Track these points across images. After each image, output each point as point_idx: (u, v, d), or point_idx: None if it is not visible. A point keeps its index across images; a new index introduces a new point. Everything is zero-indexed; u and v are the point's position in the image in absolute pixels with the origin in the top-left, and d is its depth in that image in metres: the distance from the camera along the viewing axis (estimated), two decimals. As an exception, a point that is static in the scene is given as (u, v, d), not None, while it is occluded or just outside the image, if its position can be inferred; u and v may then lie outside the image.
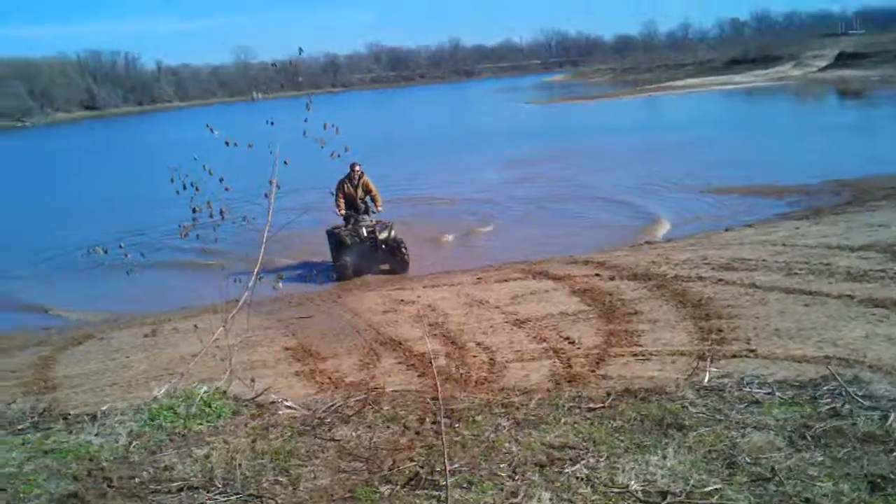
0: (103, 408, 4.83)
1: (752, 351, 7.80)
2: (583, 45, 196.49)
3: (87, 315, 13.50)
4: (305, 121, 6.67)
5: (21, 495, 3.71)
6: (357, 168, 14.78)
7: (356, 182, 14.82)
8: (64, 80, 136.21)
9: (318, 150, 6.81)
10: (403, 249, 14.44)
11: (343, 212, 14.74)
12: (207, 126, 6.60)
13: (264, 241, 6.40)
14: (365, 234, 14.26)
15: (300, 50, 7.93)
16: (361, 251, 14.27)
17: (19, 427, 4.61)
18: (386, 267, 14.64)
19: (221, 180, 6.39)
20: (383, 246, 14.44)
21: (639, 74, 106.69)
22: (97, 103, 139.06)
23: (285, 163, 6.38)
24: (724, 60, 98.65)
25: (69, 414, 4.84)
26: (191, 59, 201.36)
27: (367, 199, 15.03)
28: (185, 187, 6.32)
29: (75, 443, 4.33)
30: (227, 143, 6.70)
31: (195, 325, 8.57)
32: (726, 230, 15.24)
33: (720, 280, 10.80)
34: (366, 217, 14.69)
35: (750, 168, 23.45)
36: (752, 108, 53.51)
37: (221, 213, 6.51)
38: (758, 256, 12.01)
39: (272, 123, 6.46)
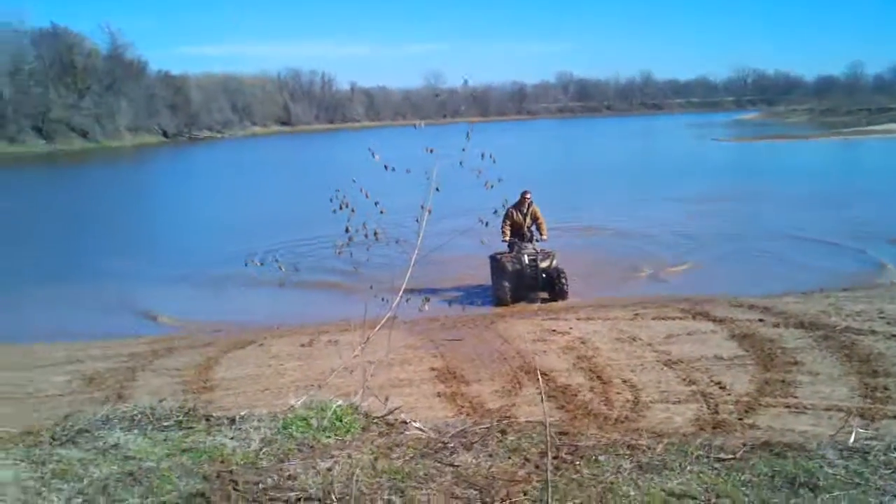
0: (242, 412, 5.09)
1: (918, 414, 7.29)
2: (781, 83, 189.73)
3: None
4: (463, 150, 6.79)
5: (154, 490, 3.97)
6: (528, 196, 15.07)
7: (525, 210, 15.06)
8: (264, 97, 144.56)
9: (473, 179, 6.93)
10: (563, 280, 14.45)
11: (507, 238, 14.93)
12: (369, 150, 6.84)
13: (412, 262, 6.55)
14: (527, 261, 14.40)
15: (465, 81, 8.09)
16: (522, 278, 14.42)
17: (165, 424, 4.92)
18: (545, 295, 14.69)
19: (377, 203, 6.62)
20: (544, 275, 14.45)
21: (838, 117, 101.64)
22: (291, 119, 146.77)
23: (437, 189, 6.52)
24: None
25: (211, 415, 5.12)
26: (384, 82, 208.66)
27: (533, 227, 15.20)
28: (341, 207, 6.57)
29: (211, 444, 4.58)
30: (385, 168, 6.93)
31: (335, 340, 8.86)
32: (910, 283, 14.29)
33: (894, 335, 10.14)
34: (529, 245, 14.83)
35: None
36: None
37: (375, 234, 6.72)
38: (939, 314, 11.22)
39: (432, 151, 6.64)
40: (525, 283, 14.49)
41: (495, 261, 14.70)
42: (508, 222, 14.99)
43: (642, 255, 19.20)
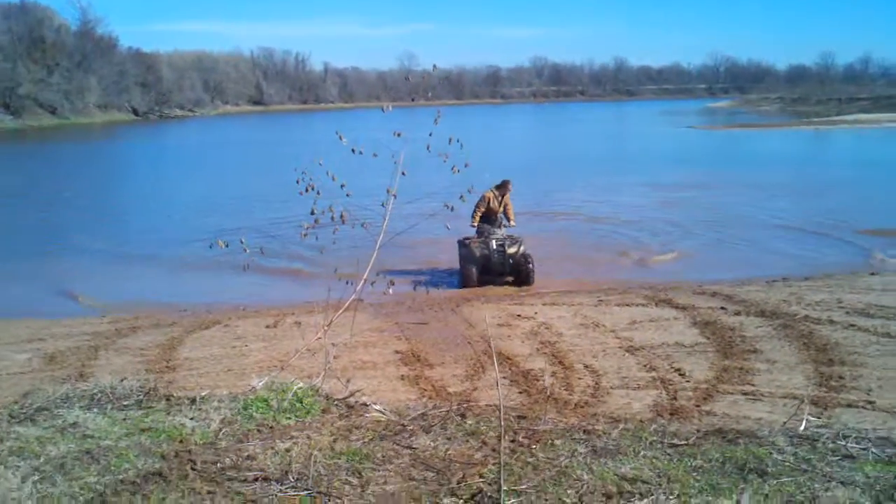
0: (203, 393, 5.11)
1: (870, 402, 7.47)
2: (753, 72, 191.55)
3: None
4: (430, 135, 6.81)
5: (112, 468, 3.99)
6: (510, 186, 15.35)
7: (502, 198, 15.29)
8: (236, 75, 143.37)
9: (440, 163, 6.95)
10: (530, 265, 14.67)
11: (476, 224, 15.13)
12: (337, 133, 6.85)
13: (378, 245, 6.58)
14: (495, 246, 14.62)
15: (434, 66, 8.02)
16: (489, 263, 14.66)
17: (125, 403, 4.92)
18: (511, 279, 14.87)
19: (343, 186, 6.64)
20: (511, 260, 14.70)
21: (809, 106, 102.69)
22: (264, 99, 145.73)
23: (403, 173, 6.55)
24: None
25: (172, 395, 5.13)
26: (358, 63, 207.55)
27: (502, 213, 15.40)
28: (307, 190, 6.58)
29: (171, 424, 4.60)
30: (353, 151, 6.93)
31: (300, 322, 8.88)
32: (872, 274, 14.51)
33: (852, 325, 10.35)
34: (498, 231, 15.09)
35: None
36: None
37: (342, 216, 6.74)
38: (899, 304, 11.44)
39: (399, 135, 6.66)
40: (492, 267, 14.70)
41: (464, 245, 14.92)
42: (483, 207, 15.15)
43: (622, 241, 19.48)
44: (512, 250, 14.70)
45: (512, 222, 15.52)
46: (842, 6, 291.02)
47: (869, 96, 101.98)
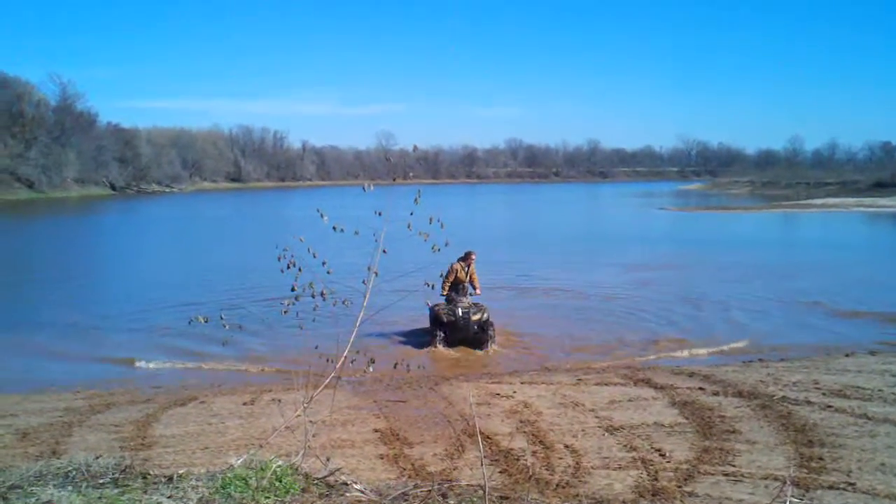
0: (180, 471, 5.03)
1: (851, 484, 7.44)
2: (724, 155, 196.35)
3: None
4: (411, 214, 6.88)
5: (88, 548, 3.91)
6: (473, 256, 16.95)
7: (468, 269, 16.85)
8: (214, 152, 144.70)
9: (420, 241, 7.01)
10: (490, 332, 16.18)
11: (445, 293, 16.60)
12: (318, 211, 6.90)
13: (358, 322, 6.58)
14: (461, 313, 15.99)
15: (415, 147, 8.24)
16: (456, 328, 16.04)
17: (100, 481, 4.83)
18: (471, 342, 16.25)
19: (324, 263, 6.66)
20: (475, 326, 16.03)
21: (778, 190, 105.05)
22: (242, 176, 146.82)
23: (384, 251, 6.59)
24: (868, 183, 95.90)
25: (149, 473, 5.04)
26: (335, 141, 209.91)
27: (468, 283, 16.80)
28: (289, 267, 6.60)
29: (147, 503, 4.53)
30: (334, 229, 6.98)
31: (278, 399, 8.81)
32: (846, 355, 14.60)
33: (829, 406, 10.38)
34: (464, 299, 16.49)
35: (888, 293, 22.86)
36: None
37: (322, 293, 6.75)
38: (874, 386, 11.51)
39: (380, 214, 6.72)
40: (457, 331, 16.07)
41: (433, 311, 16.18)
42: (451, 277, 16.58)
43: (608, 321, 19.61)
44: (476, 317, 16.05)
45: (477, 290, 17.00)
46: (808, 94, 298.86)
47: (836, 181, 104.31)
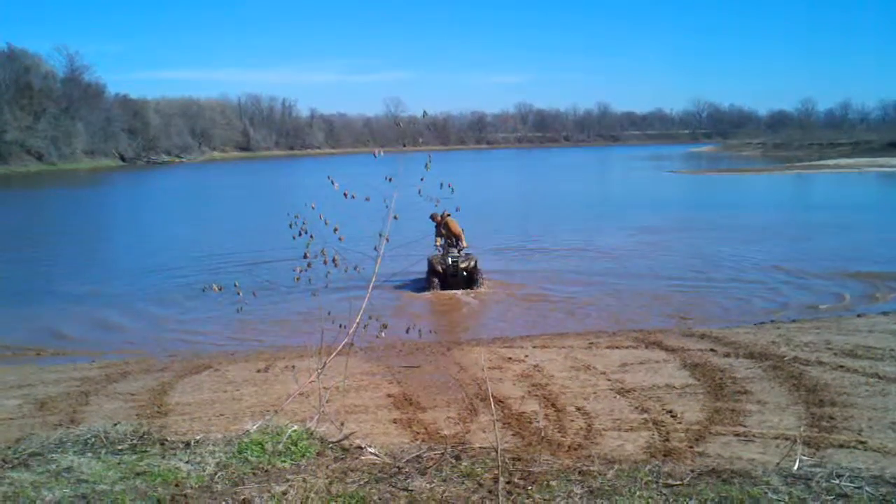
0: (197, 437, 5.10)
1: (862, 442, 7.48)
2: (735, 117, 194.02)
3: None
4: (422, 180, 6.87)
5: (107, 512, 3.99)
6: (438, 218, 19.11)
7: (438, 228, 19.25)
8: (223, 122, 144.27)
9: (431, 207, 7.02)
10: (477, 276, 18.77)
11: (438, 245, 19.14)
12: (329, 178, 6.89)
13: (370, 288, 6.60)
14: (450, 262, 18.47)
15: (424, 113, 8.13)
16: (446, 274, 18.49)
17: (119, 448, 4.91)
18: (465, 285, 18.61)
19: (336, 230, 6.67)
20: (464, 273, 18.52)
21: (790, 151, 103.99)
22: (251, 145, 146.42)
23: (395, 217, 6.60)
24: (882, 142, 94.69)
25: (166, 439, 5.12)
26: (345, 109, 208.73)
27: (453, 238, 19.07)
28: (300, 233, 6.62)
29: (166, 467, 4.59)
30: (345, 195, 6.98)
31: (292, 366, 8.87)
32: (858, 316, 14.59)
33: (841, 366, 10.41)
34: (454, 250, 18.85)
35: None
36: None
37: (334, 260, 6.77)
38: (886, 346, 11.51)
39: (391, 180, 6.72)
40: (449, 277, 18.48)
41: (429, 262, 18.78)
42: (439, 236, 19.21)
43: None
44: (464, 265, 18.55)
45: (463, 244, 19.11)
46: (821, 54, 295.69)
47: (849, 141, 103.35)
